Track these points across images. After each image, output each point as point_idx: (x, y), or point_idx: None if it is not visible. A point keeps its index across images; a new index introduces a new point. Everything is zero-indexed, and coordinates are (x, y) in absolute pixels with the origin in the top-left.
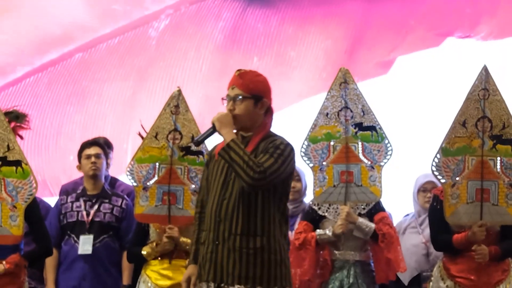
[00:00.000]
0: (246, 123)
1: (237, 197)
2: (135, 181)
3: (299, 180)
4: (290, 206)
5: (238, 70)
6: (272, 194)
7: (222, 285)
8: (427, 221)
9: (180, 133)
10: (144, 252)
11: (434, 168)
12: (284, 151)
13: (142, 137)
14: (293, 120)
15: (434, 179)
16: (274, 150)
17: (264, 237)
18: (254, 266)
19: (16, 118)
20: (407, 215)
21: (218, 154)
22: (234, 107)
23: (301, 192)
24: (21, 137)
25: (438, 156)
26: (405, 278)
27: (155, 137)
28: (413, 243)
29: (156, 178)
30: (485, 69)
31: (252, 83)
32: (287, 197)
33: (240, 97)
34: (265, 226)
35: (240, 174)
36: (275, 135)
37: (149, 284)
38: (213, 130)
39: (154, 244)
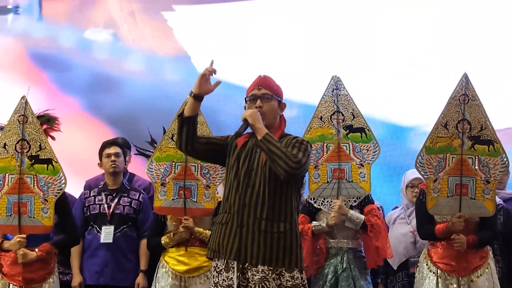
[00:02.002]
0: (270, 121)
1: (262, 185)
2: (154, 178)
3: None
4: None
5: (261, 74)
6: (293, 183)
7: (247, 265)
8: (414, 213)
9: None
10: (163, 241)
11: (418, 165)
12: (307, 146)
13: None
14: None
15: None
16: (300, 145)
17: (287, 223)
18: (278, 249)
19: (48, 121)
20: (396, 207)
21: (256, 144)
22: (262, 105)
23: None
24: (53, 138)
25: (422, 154)
26: (394, 263)
27: (171, 138)
28: (402, 232)
29: (172, 174)
30: (465, 76)
31: (275, 86)
32: (301, 188)
33: (269, 96)
34: (288, 212)
35: (280, 164)
36: (290, 134)
37: (167, 269)
38: (246, 125)
39: (172, 234)
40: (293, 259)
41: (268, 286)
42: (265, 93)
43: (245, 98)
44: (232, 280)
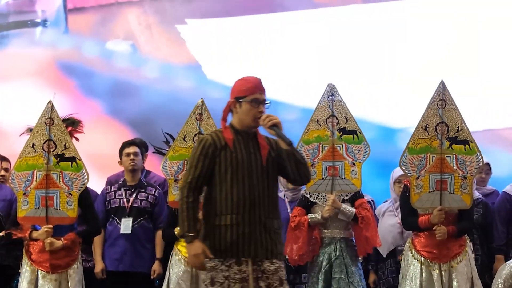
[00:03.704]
0: None
1: (266, 185)
2: (168, 175)
3: None
4: (290, 194)
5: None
6: None
7: (257, 259)
8: None
9: None
10: (176, 232)
11: (402, 164)
12: None
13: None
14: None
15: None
16: None
17: (280, 220)
18: (280, 243)
19: (72, 124)
20: (386, 200)
21: (288, 150)
22: (264, 111)
23: None
24: (77, 139)
25: (405, 154)
26: (383, 251)
27: (184, 139)
28: (390, 224)
29: (185, 172)
30: (442, 83)
31: None
32: None
33: (266, 102)
34: (279, 210)
35: (304, 172)
36: None
37: (180, 256)
38: (279, 130)
39: None
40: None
41: (281, 275)
42: (265, 99)
43: (241, 98)
44: (246, 273)
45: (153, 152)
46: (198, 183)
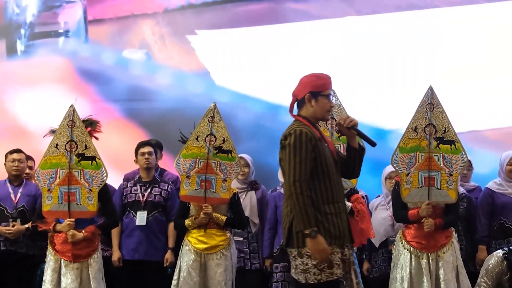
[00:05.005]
0: None
1: (340, 176)
2: (181, 171)
3: None
4: None
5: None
6: None
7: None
8: None
9: (215, 137)
10: (186, 224)
11: (393, 162)
12: None
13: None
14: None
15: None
16: None
17: None
18: None
19: (90, 124)
20: (378, 195)
21: (360, 150)
22: None
23: None
24: (96, 138)
25: (397, 153)
26: (376, 241)
27: (196, 139)
28: (382, 217)
29: (196, 169)
30: (430, 88)
31: None
32: None
33: None
34: None
35: (360, 169)
36: None
37: (190, 247)
38: (360, 131)
39: (194, 218)
40: None
41: None
42: None
43: (318, 93)
44: (346, 256)
45: (179, 141)
46: (308, 176)
